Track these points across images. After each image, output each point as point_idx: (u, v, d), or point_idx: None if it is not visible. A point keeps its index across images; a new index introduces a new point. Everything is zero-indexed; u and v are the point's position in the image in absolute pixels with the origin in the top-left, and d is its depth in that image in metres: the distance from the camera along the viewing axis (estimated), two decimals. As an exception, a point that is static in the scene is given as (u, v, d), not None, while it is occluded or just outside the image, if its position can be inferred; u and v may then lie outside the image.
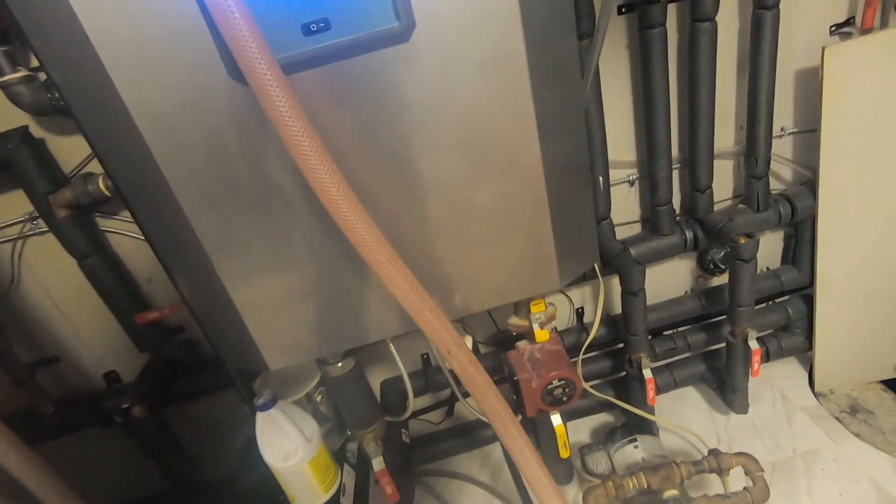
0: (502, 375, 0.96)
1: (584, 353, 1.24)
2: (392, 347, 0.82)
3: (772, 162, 1.13)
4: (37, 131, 0.95)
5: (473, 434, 1.31)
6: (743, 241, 1.02)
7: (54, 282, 1.09)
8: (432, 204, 0.63)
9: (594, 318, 1.23)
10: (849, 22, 1.07)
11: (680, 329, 1.33)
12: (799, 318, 1.29)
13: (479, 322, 1.27)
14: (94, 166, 0.98)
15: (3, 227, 1.01)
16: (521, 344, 0.90)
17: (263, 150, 0.57)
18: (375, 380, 1.26)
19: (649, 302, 1.27)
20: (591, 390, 1.23)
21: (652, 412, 1.20)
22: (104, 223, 1.04)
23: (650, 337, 1.32)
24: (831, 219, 1.12)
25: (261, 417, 0.88)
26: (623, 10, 1.00)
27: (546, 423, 0.95)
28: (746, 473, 0.92)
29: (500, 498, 1.24)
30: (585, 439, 1.30)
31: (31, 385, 1.10)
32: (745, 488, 0.91)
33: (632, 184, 1.18)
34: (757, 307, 1.29)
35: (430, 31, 0.54)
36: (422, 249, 0.64)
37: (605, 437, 1.20)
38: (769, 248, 1.33)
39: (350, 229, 0.47)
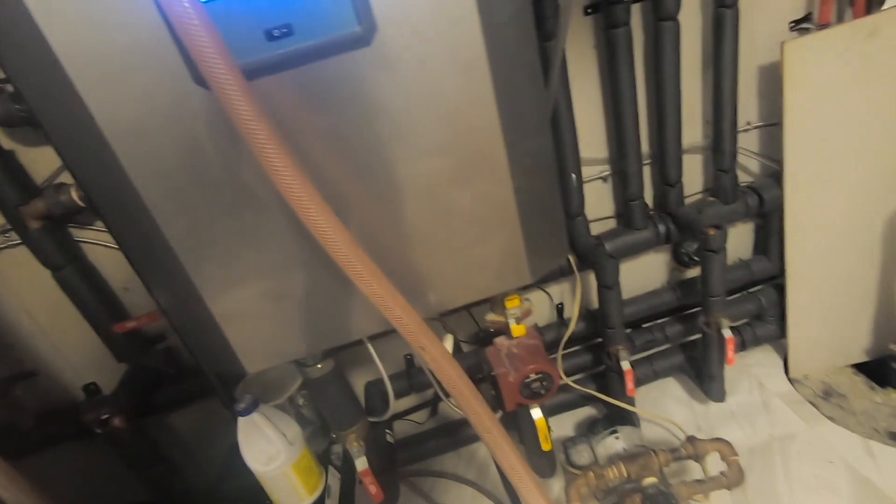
0: (484, 373, 0.97)
1: (564, 348, 1.26)
2: (370, 347, 0.83)
3: (738, 155, 1.16)
4: (6, 143, 0.94)
5: (459, 433, 1.32)
6: (712, 233, 1.05)
7: (30, 294, 1.08)
8: (402, 203, 0.64)
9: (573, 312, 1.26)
10: (807, 18, 1.11)
11: (658, 321, 1.36)
12: (771, 307, 1.32)
13: (461, 321, 1.28)
14: (67, 177, 0.98)
15: (-25, 241, 1.00)
16: (499, 340, 0.91)
17: (233, 155, 0.57)
18: (359, 382, 1.26)
19: (627, 295, 1.30)
20: (572, 384, 1.25)
21: (632, 403, 1.23)
22: (78, 233, 1.04)
23: (629, 330, 1.34)
24: (797, 209, 1.15)
25: (242, 422, 0.88)
26: (589, 10, 1.02)
27: (527, 417, 0.96)
28: (722, 458, 0.95)
29: (486, 495, 1.25)
30: (570, 433, 1.32)
31: (9, 400, 1.09)
32: (721, 473, 0.94)
33: (605, 180, 1.20)
34: (731, 297, 1.32)
35: (391, 34, 0.55)
36: (393, 248, 0.65)
37: (587, 430, 1.22)
38: (740, 240, 1.37)
39: (317, 229, 0.48)
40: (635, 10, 1.02)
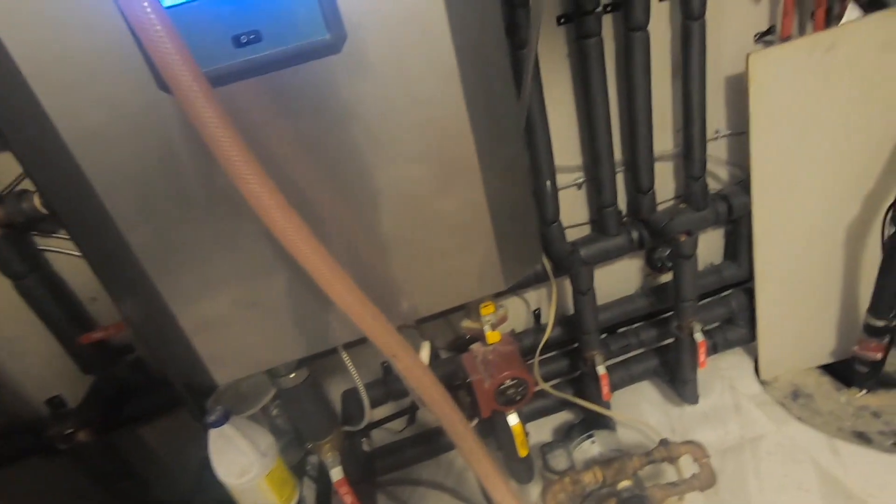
0: (460, 380, 0.97)
1: (541, 354, 1.26)
2: (344, 356, 0.82)
3: (708, 163, 1.19)
4: (-36, 149, 0.91)
5: (436, 441, 1.32)
6: (683, 239, 1.07)
7: (-11, 306, 1.04)
8: (373, 211, 0.64)
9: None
10: (770, 30, 1.15)
11: (633, 326, 1.38)
12: (742, 311, 1.36)
13: (438, 328, 1.28)
14: (29, 183, 0.95)
15: (-70, 250, 0.96)
16: (475, 346, 0.91)
17: (200, 162, 0.56)
18: (336, 389, 1.25)
19: (602, 301, 1.32)
20: (549, 389, 1.26)
21: (608, 408, 1.24)
22: (42, 242, 1.00)
23: (605, 335, 1.36)
24: (765, 215, 1.19)
25: (213, 434, 0.86)
26: (562, 20, 1.04)
27: (504, 423, 0.96)
28: (694, 460, 0.96)
29: (465, 502, 1.24)
30: (548, 438, 1.33)
31: (-34, 415, 1.04)
32: (693, 475, 0.95)
33: (579, 187, 1.22)
34: (702, 302, 1.35)
35: (361, 42, 0.55)
36: (366, 255, 0.65)
37: (564, 435, 1.22)
38: (711, 245, 1.40)
39: (284, 236, 0.48)
40: (606, 20, 1.04)
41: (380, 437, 1.37)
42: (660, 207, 1.25)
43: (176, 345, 0.67)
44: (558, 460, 1.16)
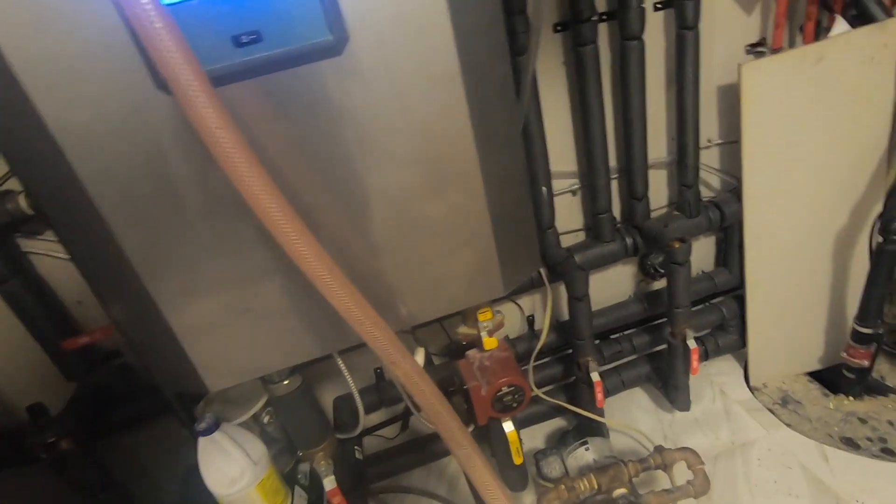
0: (456, 386, 0.96)
1: (535, 360, 1.26)
2: (340, 362, 0.81)
3: (701, 171, 1.20)
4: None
5: (429, 448, 1.30)
6: (677, 246, 1.08)
7: (-32, 309, 1.00)
8: (373, 215, 0.63)
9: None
10: (761, 42, 1.17)
11: (625, 332, 1.39)
12: (733, 318, 1.37)
13: (431, 333, 1.27)
14: (14, 184, 0.92)
15: None
16: (471, 353, 0.91)
17: (197, 163, 0.55)
18: (328, 397, 1.23)
19: (595, 307, 1.32)
20: (543, 395, 1.26)
21: (602, 414, 1.24)
22: (27, 244, 0.98)
23: (598, 341, 1.36)
24: (756, 223, 1.20)
25: (202, 443, 0.84)
26: (559, 28, 1.04)
27: (498, 430, 0.95)
28: (689, 467, 0.96)
29: (457, 510, 1.23)
30: (541, 445, 1.32)
31: (-58, 423, 1.00)
32: (687, 481, 0.95)
33: (574, 194, 1.22)
34: (694, 308, 1.36)
35: (363, 45, 0.54)
36: (364, 260, 0.64)
37: (558, 442, 1.22)
38: (703, 253, 1.41)
39: (286, 240, 0.47)
40: (602, 28, 1.05)
41: (371, 443, 1.35)
42: (653, 215, 1.26)
43: (167, 351, 0.65)
44: (552, 467, 1.16)
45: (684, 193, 1.20)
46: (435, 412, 0.62)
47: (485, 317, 0.83)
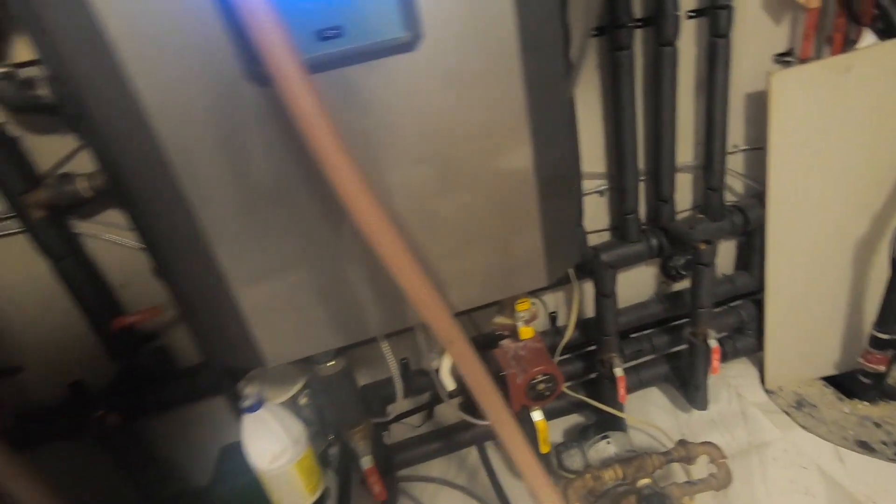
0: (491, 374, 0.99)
1: (558, 356, 1.29)
2: (384, 345, 0.84)
3: (726, 176, 1.24)
4: (12, 129, 0.92)
5: (450, 438, 1.33)
6: (703, 248, 1.11)
7: (20, 286, 1.04)
8: (430, 204, 0.66)
9: (567, 321, 1.30)
10: (789, 52, 1.20)
11: (645, 332, 1.42)
12: (751, 321, 1.40)
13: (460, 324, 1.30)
14: (72, 166, 0.96)
15: (-33, 230, 0.97)
16: (506, 342, 0.94)
17: (274, 149, 0.59)
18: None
19: (618, 306, 1.35)
20: (567, 390, 1.29)
21: (621, 411, 1.27)
22: (80, 225, 1.02)
23: (619, 339, 1.39)
24: (778, 228, 1.23)
25: (247, 419, 0.88)
26: (595, 32, 1.08)
27: (525, 420, 0.98)
28: (711, 461, 0.99)
29: (477, 499, 1.26)
30: (559, 440, 1.35)
31: (-12, 397, 1.04)
32: (710, 474, 0.98)
33: (601, 194, 1.26)
34: (714, 310, 1.39)
35: (436, 42, 0.58)
36: (421, 247, 0.68)
37: (579, 435, 1.25)
38: (724, 256, 1.44)
39: (366, 223, 0.50)
40: (637, 34, 1.09)
41: (394, 433, 1.38)
42: (677, 217, 1.29)
43: (229, 326, 0.69)
44: (573, 459, 1.19)
45: (710, 197, 1.23)
46: (483, 391, 0.66)
47: (523, 307, 0.86)
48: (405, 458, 1.32)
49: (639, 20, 1.07)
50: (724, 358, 1.42)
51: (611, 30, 1.04)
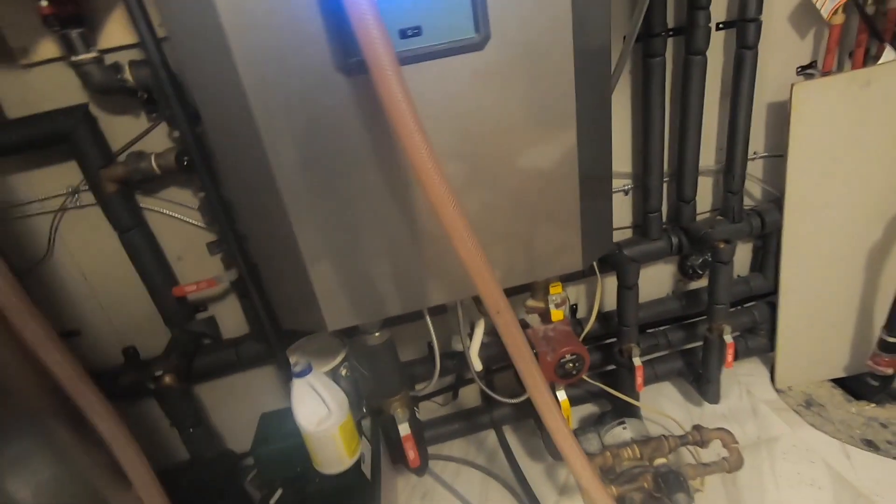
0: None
1: (578, 345, 1.36)
2: (428, 319, 0.91)
3: (746, 180, 1.30)
4: (92, 110, 1.01)
5: (470, 420, 1.40)
6: (722, 247, 1.17)
7: (86, 256, 1.13)
8: (483, 189, 0.74)
9: (586, 314, 1.36)
10: (812, 65, 1.26)
11: (661, 328, 1.48)
12: (764, 322, 1.45)
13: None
14: (143, 145, 1.05)
15: (45, 200, 1.05)
16: (535, 324, 1.01)
17: (353, 133, 0.67)
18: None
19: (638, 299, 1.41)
20: (587, 378, 1.35)
21: (637, 400, 1.33)
22: (144, 200, 1.10)
23: (636, 333, 1.45)
24: (794, 233, 1.29)
25: (297, 383, 0.96)
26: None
27: (551, 399, 1.05)
28: (724, 445, 1.06)
29: (495, 479, 1.33)
30: (575, 426, 1.41)
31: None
32: (722, 458, 1.05)
33: (626, 193, 1.32)
34: (728, 309, 1.45)
35: (501, 44, 0.65)
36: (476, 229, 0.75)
37: (596, 421, 1.31)
38: (740, 258, 1.50)
39: (439, 200, 0.57)
40: (670, 42, 1.15)
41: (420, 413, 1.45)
42: (697, 218, 1.35)
43: (296, 291, 0.76)
44: (590, 443, 1.25)
45: (729, 200, 1.29)
46: (522, 358, 0.73)
47: (556, 290, 0.93)
48: (428, 436, 1.39)
49: (671, 29, 1.14)
50: (737, 356, 1.48)
51: (645, 38, 1.11)
